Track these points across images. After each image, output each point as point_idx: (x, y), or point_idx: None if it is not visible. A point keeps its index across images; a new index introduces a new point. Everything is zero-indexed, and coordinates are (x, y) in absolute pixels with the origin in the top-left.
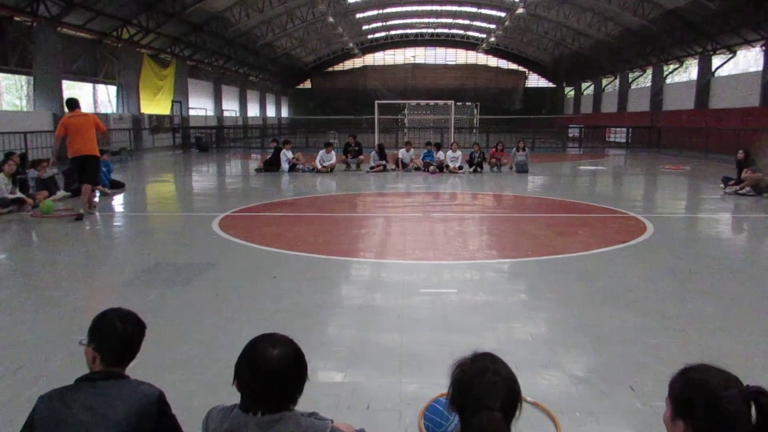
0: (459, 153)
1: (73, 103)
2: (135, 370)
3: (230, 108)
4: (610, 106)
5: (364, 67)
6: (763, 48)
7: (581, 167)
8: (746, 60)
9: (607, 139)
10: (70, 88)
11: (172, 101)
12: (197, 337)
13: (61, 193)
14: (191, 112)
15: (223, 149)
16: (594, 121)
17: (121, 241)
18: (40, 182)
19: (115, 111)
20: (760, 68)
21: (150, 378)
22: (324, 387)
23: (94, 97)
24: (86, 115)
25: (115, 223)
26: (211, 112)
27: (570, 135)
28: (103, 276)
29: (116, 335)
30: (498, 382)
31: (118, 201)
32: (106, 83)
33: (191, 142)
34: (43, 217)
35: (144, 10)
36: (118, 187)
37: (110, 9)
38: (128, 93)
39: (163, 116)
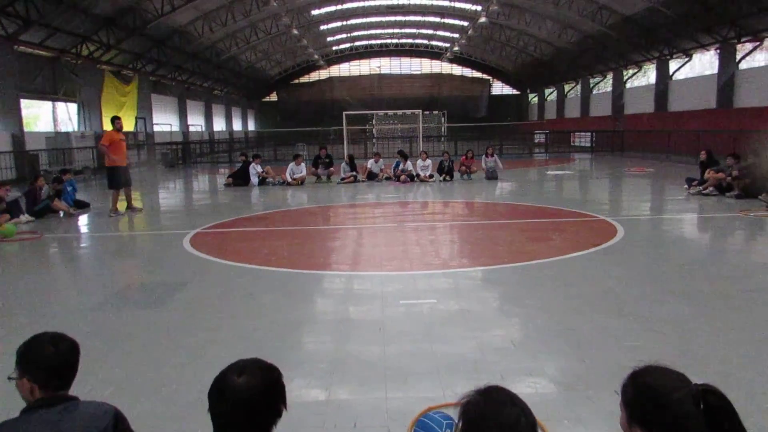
0: (429, 162)
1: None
2: (107, 400)
3: (196, 123)
4: (573, 111)
5: (330, 78)
6: (718, 51)
7: (549, 172)
8: (702, 63)
9: (572, 143)
10: (29, 107)
11: (136, 117)
12: (173, 360)
13: (24, 217)
14: (156, 128)
15: (190, 165)
16: (558, 126)
17: (88, 263)
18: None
19: (76, 129)
20: (716, 71)
21: (124, 405)
22: (308, 406)
23: (54, 116)
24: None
25: (81, 245)
26: (176, 128)
27: (536, 140)
28: (69, 300)
29: (51, 360)
30: (519, 414)
31: (83, 221)
32: (66, 101)
33: (157, 159)
34: (3, 241)
35: (104, 26)
36: (82, 206)
37: (69, 26)
38: (90, 110)
39: (127, 133)
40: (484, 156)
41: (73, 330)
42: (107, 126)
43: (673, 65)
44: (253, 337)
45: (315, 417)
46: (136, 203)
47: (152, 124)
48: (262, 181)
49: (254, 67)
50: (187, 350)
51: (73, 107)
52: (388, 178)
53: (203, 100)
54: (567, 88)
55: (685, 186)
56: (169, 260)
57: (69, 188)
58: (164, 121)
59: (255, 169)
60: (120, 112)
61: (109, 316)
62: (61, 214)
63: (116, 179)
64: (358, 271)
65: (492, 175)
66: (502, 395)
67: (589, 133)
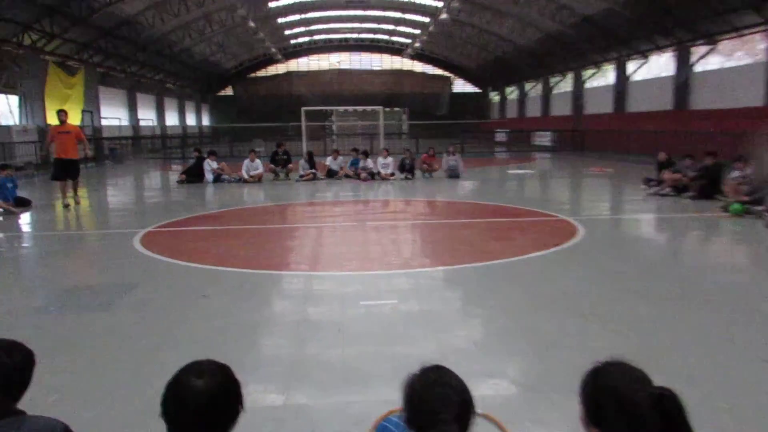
0: (390, 159)
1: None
2: (52, 408)
3: (147, 117)
4: (534, 110)
5: (288, 72)
6: (674, 53)
7: (510, 171)
8: (659, 65)
9: (532, 143)
10: None
11: (82, 111)
12: (122, 365)
13: None
14: (104, 122)
15: (140, 161)
16: (520, 125)
17: (30, 263)
18: None
19: (18, 122)
20: (672, 73)
21: (70, 413)
22: (265, 412)
23: None
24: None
25: (23, 244)
26: (125, 122)
27: (497, 139)
28: (9, 302)
29: (5, 370)
30: (449, 393)
31: (25, 220)
32: (6, 93)
33: (105, 154)
34: None
35: (47, 14)
36: (24, 204)
37: (9, 13)
38: (32, 103)
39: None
40: (445, 154)
41: (13, 333)
42: (51, 120)
43: (631, 66)
44: (207, 340)
45: (272, 423)
46: (78, 199)
47: (100, 118)
48: (217, 178)
49: (209, 60)
50: (136, 354)
51: (14, 99)
52: (348, 176)
53: (154, 94)
54: (528, 86)
55: (643, 186)
56: (118, 260)
57: (9, 185)
58: (113, 115)
59: (210, 165)
60: (65, 105)
61: (52, 319)
62: (1, 211)
63: (55, 171)
64: (317, 272)
65: (453, 174)
66: (434, 375)
67: (550, 133)
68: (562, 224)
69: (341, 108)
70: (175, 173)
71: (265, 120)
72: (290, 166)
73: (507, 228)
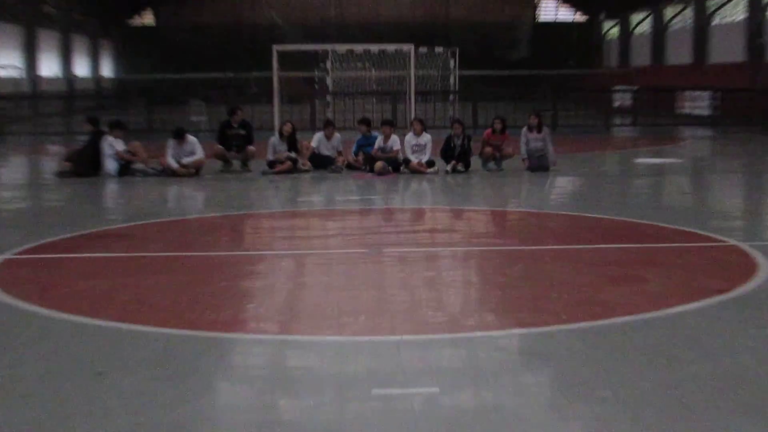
0: (427, 138)
1: None
2: None
3: (5, 62)
4: (681, 52)
5: None
6: None
7: (639, 160)
8: None
9: (678, 110)
10: None
11: None
12: None
13: None
14: None
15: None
16: (655, 79)
17: None
18: None
19: None
20: None
21: None
22: None
23: None
24: None
25: None
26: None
27: (616, 104)
28: None
29: None
30: None
31: None
32: None
33: None
34: None
35: None
36: None
37: None
38: None
39: None
40: (525, 130)
41: None
42: None
43: None
44: None
45: None
46: None
47: None
48: (125, 168)
49: None
50: None
51: None
52: (352, 167)
53: (21, 24)
54: (670, 12)
55: None
56: None
57: None
58: None
59: (112, 146)
60: None
61: None
62: None
63: None
64: (297, 335)
65: (539, 164)
66: None
67: (708, 94)
68: (731, 255)
69: (342, 47)
70: (54, 159)
71: (210, 68)
72: (251, 148)
73: (633, 261)
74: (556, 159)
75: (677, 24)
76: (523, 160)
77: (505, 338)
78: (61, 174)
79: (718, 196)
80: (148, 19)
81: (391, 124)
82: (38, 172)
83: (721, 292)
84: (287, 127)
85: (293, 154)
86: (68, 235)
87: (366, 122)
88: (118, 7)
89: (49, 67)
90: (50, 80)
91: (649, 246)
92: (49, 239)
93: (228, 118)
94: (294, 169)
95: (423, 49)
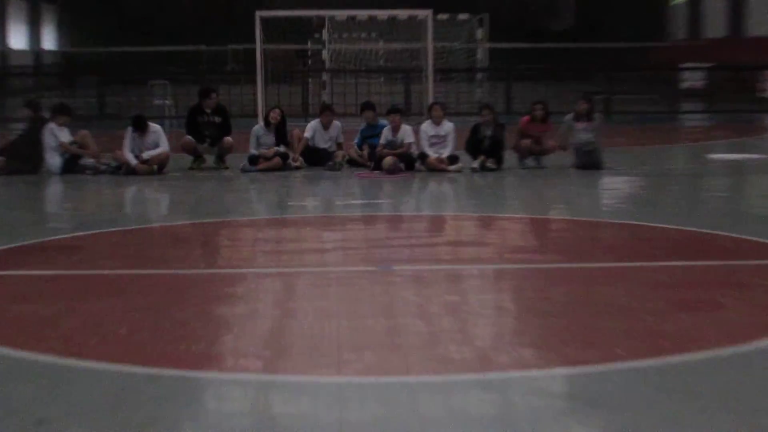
0: (448, 127)
1: None
2: None
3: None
4: (766, 22)
5: None
6: None
7: (713, 155)
8: None
9: (762, 94)
10: None
11: None
12: None
13: None
14: None
15: None
16: (734, 55)
17: None
18: None
19: None
20: None
21: None
22: None
23: None
24: None
25: None
26: None
27: (685, 84)
28: None
29: None
30: None
31: None
32: None
33: None
34: None
35: None
36: None
37: None
38: None
39: None
40: (570, 118)
41: None
42: None
43: None
44: None
45: None
46: None
47: None
48: (72, 164)
49: None
50: None
51: None
52: (354, 163)
53: None
54: None
55: None
56: None
57: None
58: None
59: (55, 136)
60: None
61: None
62: None
63: None
64: (287, 374)
65: (590, 160)
66: None
67: None
68: None
69: (342, 13)
70: None
71: (177, 40)
72: (228, 139)
73: (706, 282)
74: (605, 153)
75: None
76: (571, 151)
77: (547, 379)
78: None
79: None
80: None
81: (400, 112)
82: None
83: None
84: (275, 114)
85: (282, 148)
86: (0, 248)
87: (370, 107)
88: None
89: None
90: None
91: (726, 264)
92: None
93: (199, 102)
94: (283, 165)
95: (443, 16)
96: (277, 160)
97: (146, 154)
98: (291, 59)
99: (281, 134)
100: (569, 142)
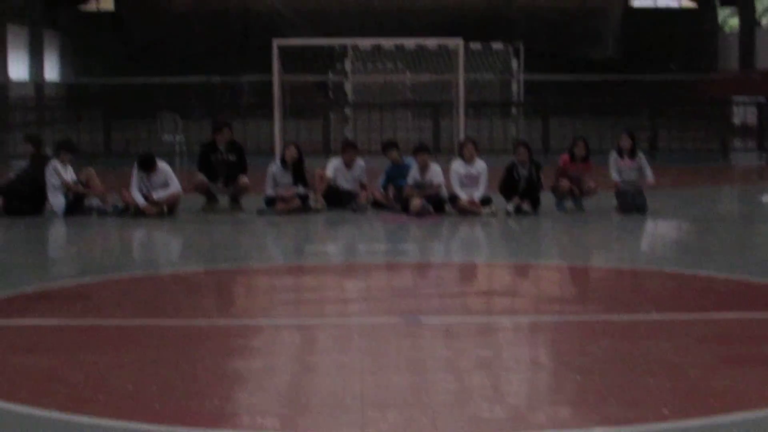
0: (481, 167)
1: None
2: None
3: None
4: None
5: None
6: None
7: (766, 198)
8: None
9: None
10: None
11: None
12: None
13: None
14: None
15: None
16: None
17: None
18: None
19: None
20: None
21: None
22: None
23: None
24: None
25: None
26: None
27: (737, 121)
28: None
29: None
30: None
31: None
32: None
33: None
34: None
35: None
36: None
37: None
38: None
39: None
40: (614, 154)
41: None
42: None
43: None
44: None
45: None
46: None
47: None
48: (76, 205)
49: None
50: None
51: None
52: (380, 205)
53: None
54: None
55: None
56: None
57: None
58: None
59: (59, 174)
60: None
61: None
62: None
63: None
64: None
65: (633, 203)
66: None
67: None
68: None
69: (366, 42)
70: None
71: (188, 71)
72: (244, 179)
73: (759, 336)
74: (651, 193)
75: None
76: (615, 192)
77: None
78: None
79: None
80: (106, 2)
81: (427, 151)
82: None
83: None
84: (290, 152)
85: (302, 189)
86: (1, 296)
87: (393, 146)
88: None
89: None
90: None
91: None
92: None
93: (212, 139)
94: (303, 206)
95: (476, 45)
96: (296, 201)
97: (155, 195)
98: (311, 92)
99: (299, 173)
100: (616, 175)
